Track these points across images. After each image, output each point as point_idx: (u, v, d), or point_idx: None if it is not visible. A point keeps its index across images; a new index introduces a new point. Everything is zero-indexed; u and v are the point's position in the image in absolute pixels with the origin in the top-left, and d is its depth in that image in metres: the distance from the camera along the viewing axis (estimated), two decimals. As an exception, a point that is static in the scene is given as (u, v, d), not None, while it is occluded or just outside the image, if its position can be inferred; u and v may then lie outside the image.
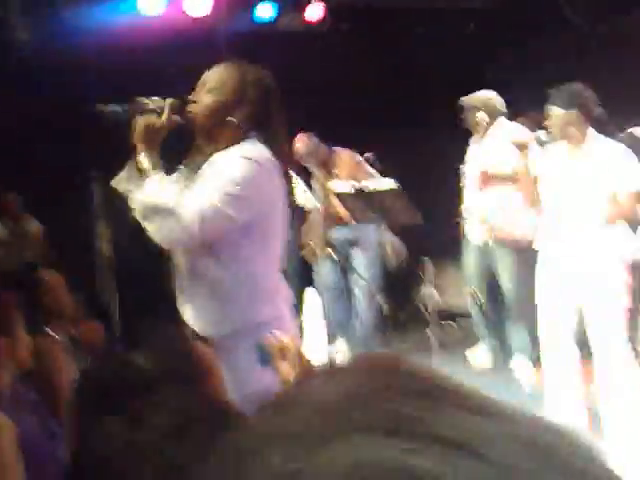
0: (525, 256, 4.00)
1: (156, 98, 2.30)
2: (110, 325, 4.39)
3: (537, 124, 5.08)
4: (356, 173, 4.70)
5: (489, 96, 4.66)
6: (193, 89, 2.30)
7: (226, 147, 2.21)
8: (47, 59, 5.32)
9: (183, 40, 5.90)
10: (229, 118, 2.22)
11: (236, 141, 2.22)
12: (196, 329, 2.22)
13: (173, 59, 5.98)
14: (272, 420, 0.41)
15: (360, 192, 3.99)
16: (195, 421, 0.92)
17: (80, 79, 5.78)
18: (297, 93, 6.53)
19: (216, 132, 2.25)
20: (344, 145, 5.23)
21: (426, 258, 4.21)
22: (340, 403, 0.39)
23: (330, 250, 4.98)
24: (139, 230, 2.21)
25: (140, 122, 2.21)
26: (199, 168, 2.26)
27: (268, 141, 2.24)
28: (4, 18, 5.21)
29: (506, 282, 4.59)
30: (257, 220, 2.19)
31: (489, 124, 4.59)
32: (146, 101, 2.28)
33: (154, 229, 2.13)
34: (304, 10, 6.02)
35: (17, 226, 5.65)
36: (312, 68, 6.71)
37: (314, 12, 6.03)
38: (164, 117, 2.23)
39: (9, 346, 2.14)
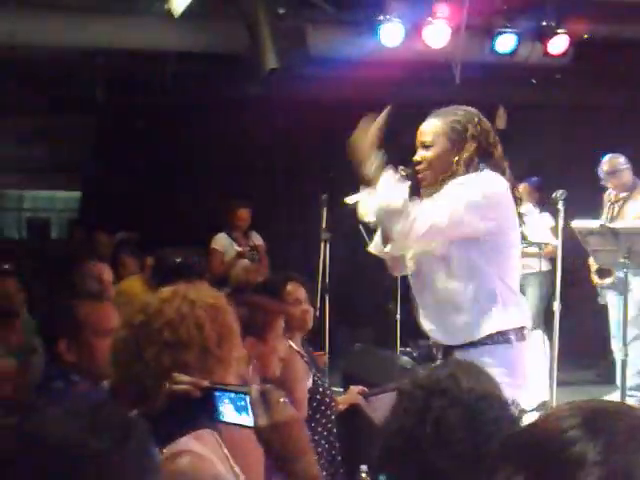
0: None
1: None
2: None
3: None
4: None
5: None
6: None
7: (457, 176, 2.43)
8: (292, 87, 5.64)
9: (421, 70, 5.98)
10: (455, 158, 2.43)
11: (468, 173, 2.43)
12: (439, 339, 2.46)
13: (411, 89, 6.08)
14: None
15: (608, 230, 3.70)
16: None
17: (320, 107, 6.08)
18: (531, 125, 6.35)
19: (445, 175, 2.45)
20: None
21: None
22: None
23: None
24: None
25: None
26: None
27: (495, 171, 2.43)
28: (255, 46, 5.61)
29: None
30: (491, 236, 2.37)
31: None
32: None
33: (389, 229, 2.39)
34: (546, 41, 5.80)
35: (246, 239, 6.00)
36: (548, 100, 6.48)
37: (558, 44, 5.80)
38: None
39: (258, 349, 2.22)
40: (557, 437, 0.76)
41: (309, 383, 2.76)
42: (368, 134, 2.38)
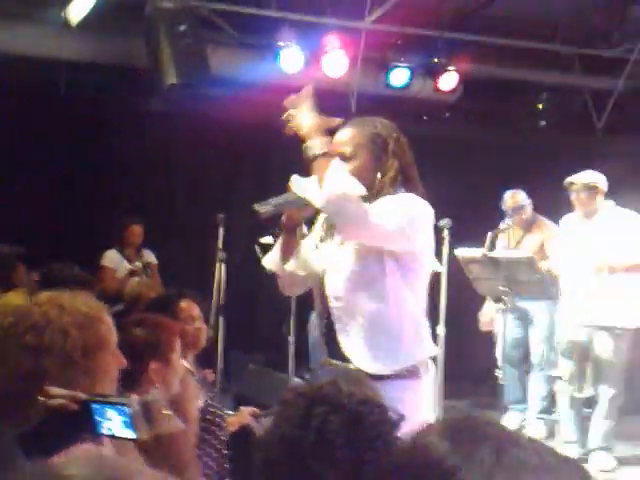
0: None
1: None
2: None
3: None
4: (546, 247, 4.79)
5: (600, 177, 4.51)
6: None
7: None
8: (193, 104, 5.63)
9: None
10: (378, 175, 2.27)
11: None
12: (364, 367, 2.24)
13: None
14: None
15: (489, 259, 3.92)
16: None
17: (221, 127, 6.08)
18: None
19: (369, 196, 2.25)
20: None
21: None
22: None
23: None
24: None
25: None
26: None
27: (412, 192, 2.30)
28: (155, 61, 5.55)
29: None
30: (417, 259, 2.28)
31: (600, 205, 4.49)
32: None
33: (339, 211, 2.15)
34: (437, 78, 6.12)
35: (138, 256, 5.86)
36: (439, 134, 6.79)
37: (448, 81, 6.12)
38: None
39: (163, 372, 2.19)
40: (433, 459, 0.80)
41: (200, 403, 2.73)
42: (304, 110, 2.17)
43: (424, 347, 2.33)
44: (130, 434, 1.36)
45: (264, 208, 2.24)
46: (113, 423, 1.36)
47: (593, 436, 4.57)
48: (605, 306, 4.34)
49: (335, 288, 2.31)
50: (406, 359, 2.24)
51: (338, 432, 1.26)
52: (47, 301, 1.53)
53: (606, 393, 4.47)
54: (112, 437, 1.39)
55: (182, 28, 5.63)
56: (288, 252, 2.40)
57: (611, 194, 4.59)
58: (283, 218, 2.38)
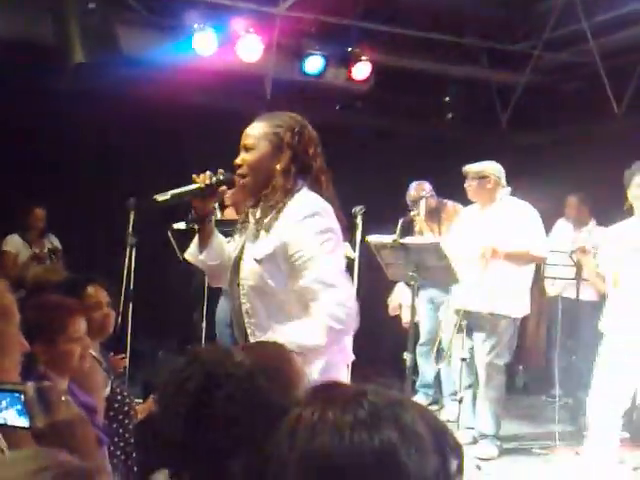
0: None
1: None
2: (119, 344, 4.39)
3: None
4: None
5: (494, 167, 4.65)
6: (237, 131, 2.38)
7: (279, 200, 2.27)
8: (103, 84, 5.46)
9: (232, 82, 6.07)
10: (277, 167, 2.28)
11: (288, 192, 2.28)
12: None
13: (221, 99, 6.13)
14: None
15: (399, 245, 4.02)
16: None
17: (127, 108, 5.92)
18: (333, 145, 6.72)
19: (266, 186, 2.31)
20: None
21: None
22: None
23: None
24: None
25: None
26: (258, 228, 2.33)
27: (314, 187, 2.32)
28: (62, 38, 5.34)
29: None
30: None
31: (497, 195, 4.63)
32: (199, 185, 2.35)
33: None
34: (350, 67, 6.18)
35: (41, 241, 5.67)
36: (351, 123, 6.87)
37: (361, 70, 6.19)
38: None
39: (51, 354, 2.13)
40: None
41: (107, 391, 2.69)
42: None
43: (341, 356, 2.34)
44: (24, 423, 1.29)
45: (162, 197, 2.30)
46: (7, 411, 1.29)
47: (478, 421, 4.77)
48: (488, 294, 4.46)
49: (245, 300, 2.33)
50: (324, 369, 2.22)
51: (192, 394, 1.24)
52: None
53: (485, 377, 4.65)
54: (5, 426, 1.33)
55: (91, 6, 5.45)
56: (203, 243, 2.43)
57: (512, 187, 4.76)
58: (193, 210, 2.41)
